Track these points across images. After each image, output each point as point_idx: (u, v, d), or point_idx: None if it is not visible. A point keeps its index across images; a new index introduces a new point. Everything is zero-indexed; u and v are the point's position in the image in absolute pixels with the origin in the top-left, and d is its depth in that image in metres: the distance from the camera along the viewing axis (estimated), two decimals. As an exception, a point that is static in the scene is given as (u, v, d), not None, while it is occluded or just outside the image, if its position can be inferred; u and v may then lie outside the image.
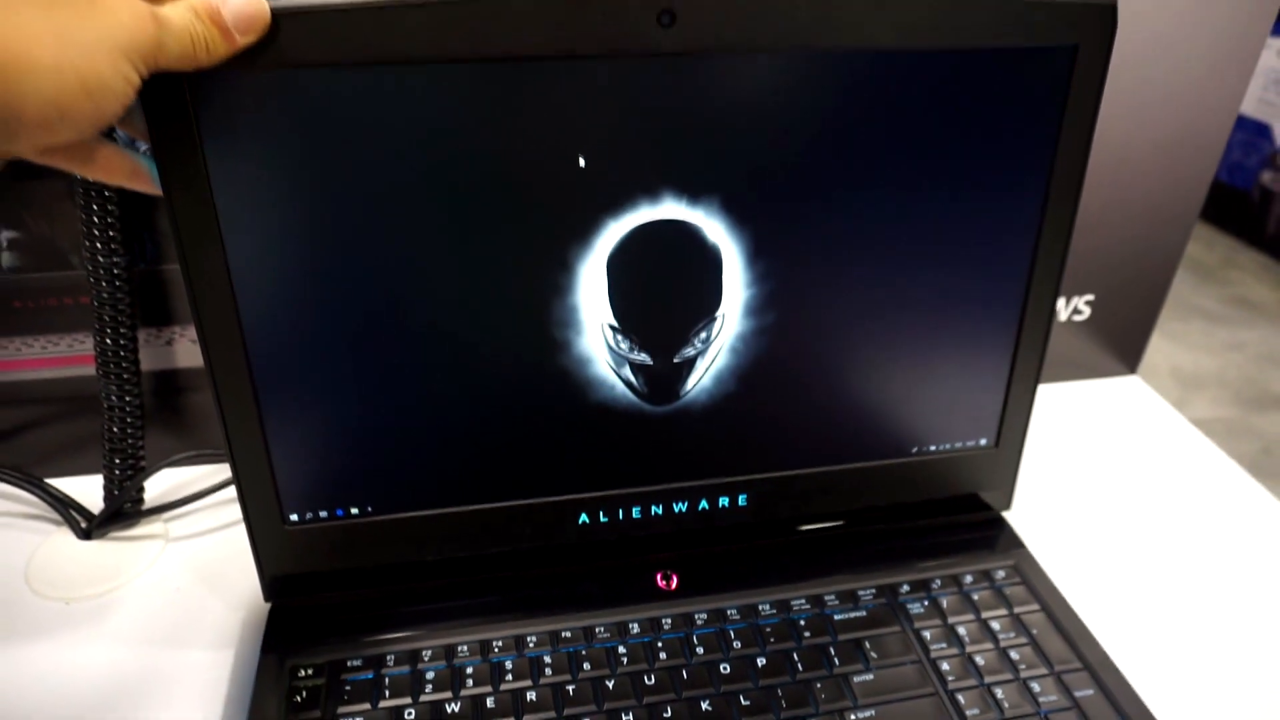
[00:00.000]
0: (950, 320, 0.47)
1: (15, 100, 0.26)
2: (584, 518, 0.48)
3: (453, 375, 0.43)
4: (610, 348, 0.44)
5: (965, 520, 0.53)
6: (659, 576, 0.49)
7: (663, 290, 0.44)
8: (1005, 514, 0.54)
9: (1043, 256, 0.46)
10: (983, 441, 0.51)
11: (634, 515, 0.48)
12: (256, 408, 0.42)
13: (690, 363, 0.45)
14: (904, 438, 0.50)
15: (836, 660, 0.45)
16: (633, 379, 0.45)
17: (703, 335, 0.45)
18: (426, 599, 0.48)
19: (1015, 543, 0.52)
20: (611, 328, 0.44)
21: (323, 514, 0.45)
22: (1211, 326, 2.27)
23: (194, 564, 0.53)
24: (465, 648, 0.45)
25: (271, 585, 0.47)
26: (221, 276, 0.39)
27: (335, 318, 0.41)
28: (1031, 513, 0.55)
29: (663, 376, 0.45)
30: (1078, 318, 0.67)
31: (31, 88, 0.27)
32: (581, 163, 0.40)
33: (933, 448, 0.50)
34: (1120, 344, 0.69)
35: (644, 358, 0.45)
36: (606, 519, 0.48)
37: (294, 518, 0.45)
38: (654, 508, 0.48)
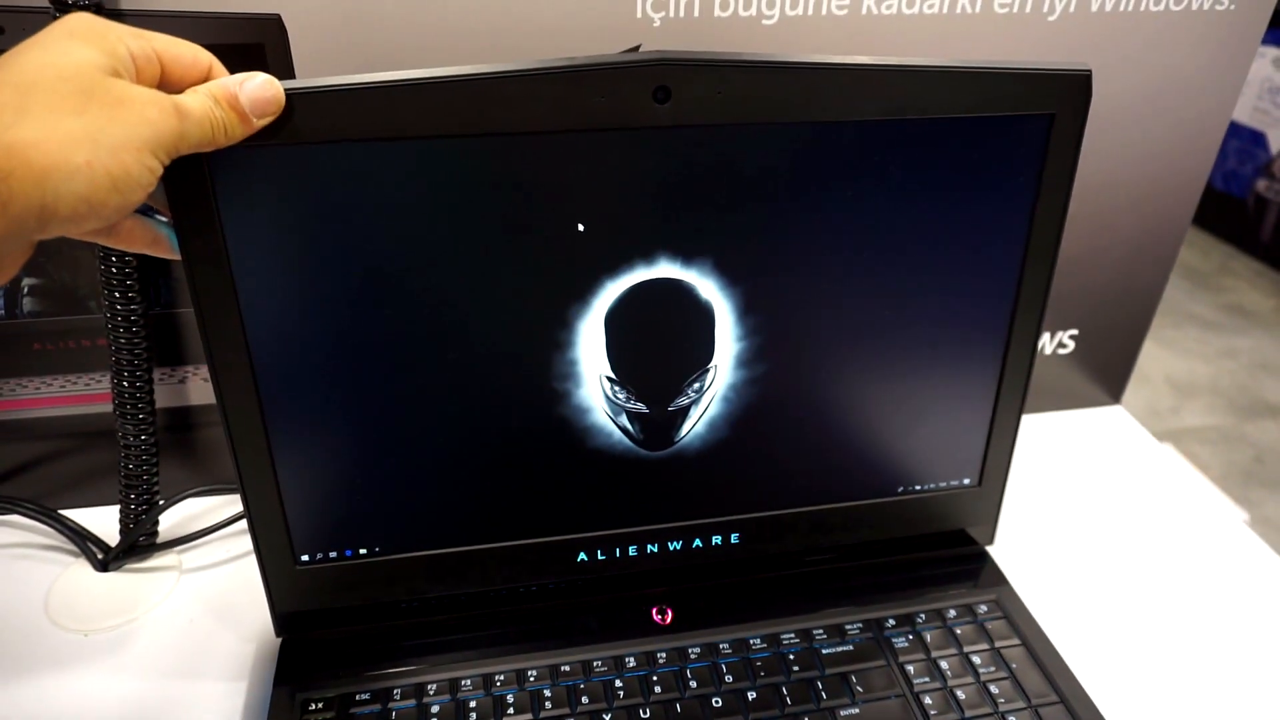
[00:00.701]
0: (934, 367, 0.49)
1: (51, 200, 0.28)
2: (583, 556, 0.50)
3: (458, 424, 0.45)
4: (608, 398, 0.46)
5: (950, 555, 0.55)
6: (654, 611, 0.51)
7: (658, 344, 0.46)
8: (989, 548, 0.56)
9: (1023, 306, 0.48)
10: (966, 481, 0.53)
11: (630, 553, 0.50)
12: (269, 456, 0.44)
13: (684, 411, 0.47)
14: (890, 478, 0.52)
15: (824, 694, 0.47)
16: (629, 426, 0.47)
17: (696, 385, 0.47)
18: (431, 634, 0.50)
19: (998, 578, 0.55)
20: (609, 379, 0.46)
21: (332, 554, 0.47)
22: (1206, 334, 2.29)
23: (207, 595, 0.55)
24: (469, 681, 0.47)
25: (283, 621, 0.49)
26: (237, 336, 0.41)
27: (346, 373, 0.43)
28: (1015, 545, 0.57)
29: (658, 424, 0.47)
30: (1062, 351, 0.69)
31: (66, 189, 0.28)
32: (581, 228, 0.42)
33: (918, 487, 0.52)
34: (1104, 374, 0.72)
35: (640, 407, 0.47)
36: (604, 556, 0.50)
37: (305, 558, 0.47)
38: (649, 546, 0.50)
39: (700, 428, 0.48)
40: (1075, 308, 0.67)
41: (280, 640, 0.50)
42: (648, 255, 0.43)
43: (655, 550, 0.51)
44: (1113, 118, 0.59)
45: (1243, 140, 2.68)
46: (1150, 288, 0.68)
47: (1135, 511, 0.62)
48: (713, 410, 0.48)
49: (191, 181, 0.37)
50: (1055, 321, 0.67)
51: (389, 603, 0.49)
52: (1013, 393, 0.51)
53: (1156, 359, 2.17)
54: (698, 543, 0.51)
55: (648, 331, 0.45)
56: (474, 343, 0.43)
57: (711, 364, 0.46)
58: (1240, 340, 2.27)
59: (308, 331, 0.42)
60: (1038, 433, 0.69)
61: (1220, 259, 2.66)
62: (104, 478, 0.58)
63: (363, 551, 0.48)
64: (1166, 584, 0.57)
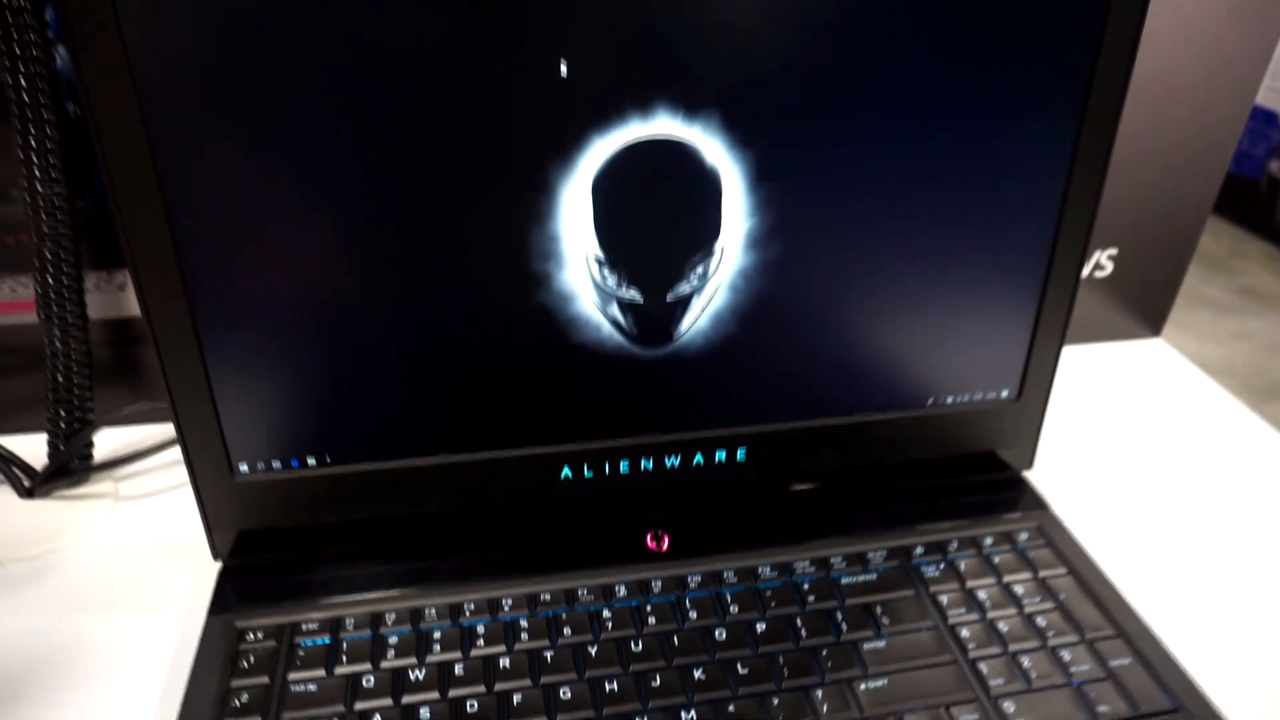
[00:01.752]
0: (972, 258, 0.43)
1: None
2: (566, 472, 0.44)
3: (418, 312, 0.39)
4: (596, 283, 0.40)
5: (984, 480, 0.49)
6: (649, 537, 0.45)
7: (654, 218, 0.39)
8: (1026, 474, 0.50)
9: (1076, 187, 0.42)
10: (1004, 394, 0.47)
11: (622, 470, 0.44)
12: (197, 343, 0.37)
13: (685, 301, 0.41)
14: (919, 388, 0.45)
15: (844, 626, 0.41)
16: (621, 319, 0.41)
17: (699, 270, 0.40)
18: (392, 559, 0.44)
19: (1038, 504, 0.48)
20: (597, 260, 0.39)
21: (275, 464, 0.41)
22: (1219, 316, 2.23)
23: (146, 524, 0.49)
24: (433, 611, 0.41)
25: (221, 543, 0.43)
26: (149, 189, 0.34)
27: (286, 246, 0.37)
28: (1053, 477, 0.51)
29: (654, 316, 0.41)
30: (1100, 274, 0.63)
31: None
32: (564, 69, 0.36)
33: (950, 399, 0.46)
34: (1144, 303, 0.65)
35: (633, 295, 0.40)
36: (591, 474, 0.44)
37: (243, 468, 0.41)
38: (644, 462, 0.44)
39: (703, 322, 0.41)
40: (1116, 223, 0.61)
41: (220, 567, 0.43)
42: (644, 106, 0.37)
43: (650, 467, 0.44)
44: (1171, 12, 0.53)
45: (1256, 121, 2.61)
46: (1197, 204, 0.62)
47: (1181, 445, 0.56)
48: (718, 301, 0.41)
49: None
50: (1094, 238, 0.61)
51: (343, 523, 0.43)
52: (1061, 288, 0.44)
53: (1170, 342, 2.10)
54: (699, 459, 0.45)
55: (643, 201, 0.39)
56: (436, 212, 0.37)
57: (717, 244, 0.40)
58: (1254, 322, 2.21)
59: (241, 196, 0.35)
60: (1075, 364, 0.63)
61: (1232, 242, 2.59)
62: (34, 402, 0.51)
63: (310, 462, 0.41)
64: (1217, 517, 0.50)
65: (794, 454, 0.46)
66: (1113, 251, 0.62)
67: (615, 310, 0.40)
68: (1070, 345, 0.65)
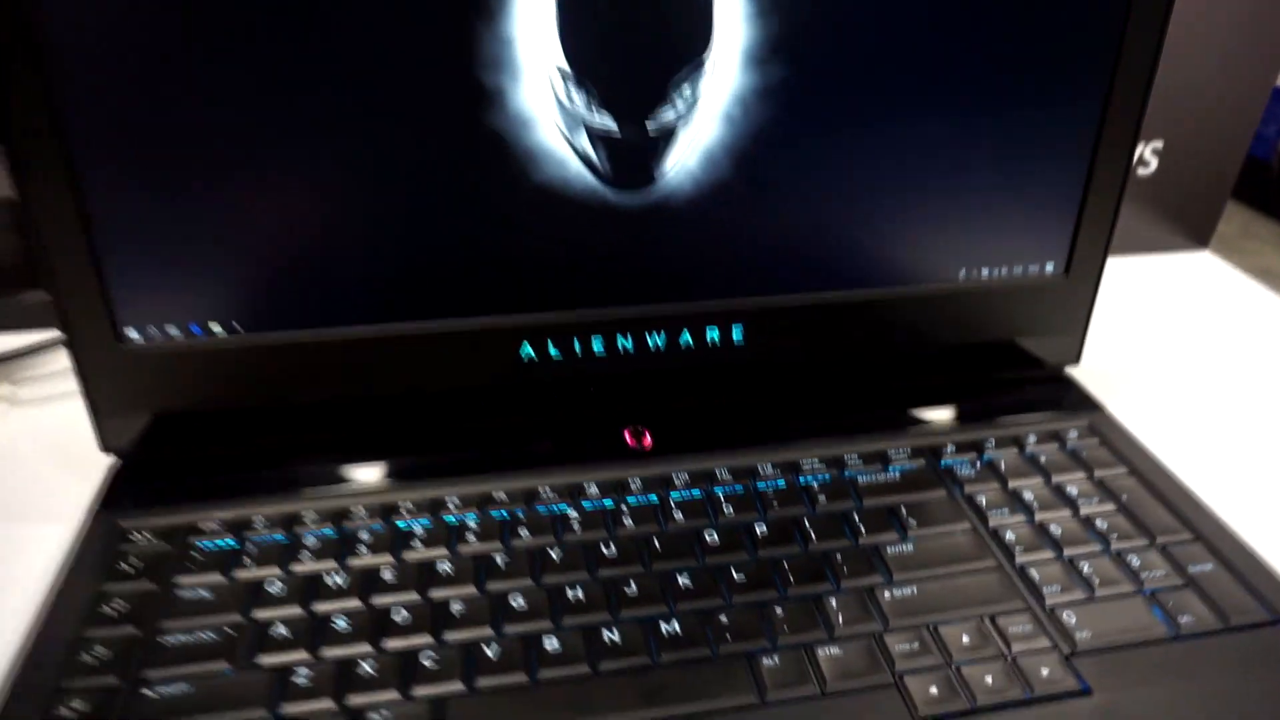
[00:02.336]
0: (1017, 102, 0.36)
1: None
2: (528, 350, 0.36)
3: (340, 136, 0.32)
4: (561, 104, 0.32)
5: (1025, 376, 0.42)
6: (627, 434, 0.38)
7: (632, 20, 0.32)
8: (1073, 372, 0.43)
9: (1134, 29, 0.35)
10: (1049, 268, 0.39)
11: (595, 350, 0.37)
12: (69, 168, 0.30)
13: (668, 132, 0.34)
14: (950, 257, 0.38)
15: (862, 529, 0.33)
16: (591, 152, 0.33)
17: (685, 90, 0.33)
18: (317, 454, 0.36)
19: (1089, 403, 0.41)
20: (562, 74, 0.32)
21: (172, 330, 0.34)
22: (1232, 296, 2.16)
23: (43, 428, 0.41)
24: (362, 510, 0.34)
25: (111, 433, 0.35)
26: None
27: (177, 44, 0.29)
28: (1101, 387, 0.43)
29: (632, 150, 0.34)
30: (1144, 170, 0.55)
31: None
32: None
33: (986, 273, 0.39)
34: (1190, 210, 0.58)
35: (606, 121, 0.33)
36: (558, 352, 0.36)
37: (133, 335, 0.34)
38: (621, 339, 0.37)
39: (692, 163, 0.34)
40: (1164, 112, 0.53)
41: (114, 464, 0.36)
42: None
43: (629, 347, 0.37)
44: None
45: (1268, 101, 2.55)
46: (1249, 103, 0.55)
47: (1239, 357, 0.48)
48: (710, 135, 0.34)
49: None
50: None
51: (258, 410, 0.36)
52: (1115, 150, 0.37)
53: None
54: (686, 339, 0.37)
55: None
56: (363, 8, 0.30)
57: (708, 56, 0.33)
58: (1269, 302, 2.14)
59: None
60: (1119, 276, 0.56)
61: (1242, 223, 2.52)
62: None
63: (216, 330, 0.34)
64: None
65: (800, 335, 0.38)
66: (1158, 144, 0.55)
67: (584, 141, 0.33)
68: (1112, 257, 0.58)
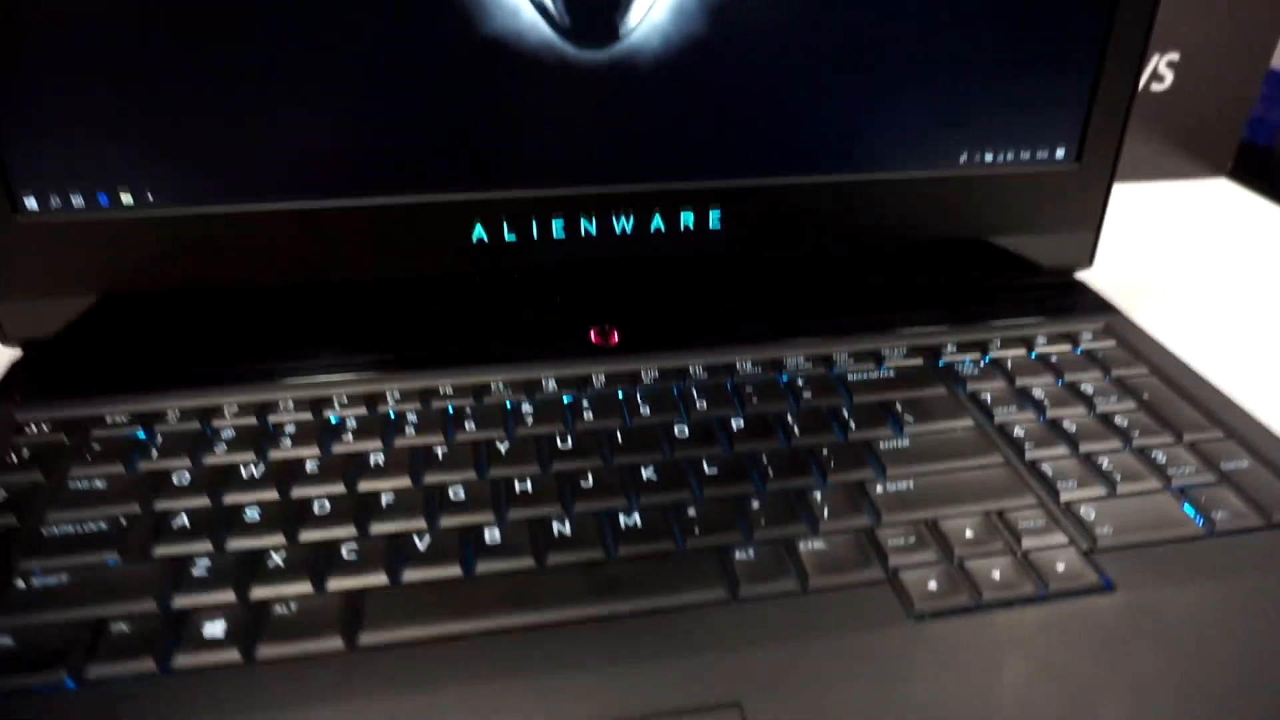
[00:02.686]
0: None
1: None
2: (479, 232, 0.32)
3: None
4: (512, -56, 0.29)
5: (1031, 281, 0.38)
6: (592, 333, 0.34)
7: None
8: (1085, 278, 0.39)
9: None
10: (1059, 154, 0.36)
11: (554, 234, 0.33)
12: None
13: (635, -19, 0.30)
14: (949, 137, 0.34)
15: (852, 424, 0.30)
16: (547, 1, 0.30)
17: (653, -71, 0.29)
18: (243, 346, 0.32)
19: (1104, 305, 0.37)
20: (513, -92, 0.28)
21: (75, 200, 0.30)
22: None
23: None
24: (290, 403, 0.30)
25: (9, 317, 0.31)
26: None
27: None
28: (1115, 300, 0.39)
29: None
30: (1158, 86, 0.52)
31: None
32: None
33: (989, 157, 0.35)
34: (1207, 131, 0.54)
35: (564, -36, 0.29)
36: (514, 236, 0.33)
37: (30, 203, 0.30)
38: (584, 223, 0.33)
39: (663, 15, 0.31)
40: (1180, 22, 0.50)
41: (15, 355, 0.32)
42: None
43: (593, 231, 0.33)
44: None
45: (1270, 85, 2.52)
46: (1271, 16, 0.51)
47: (1259, 278, 0.44)
48: (681, -13, 0.30)
49: None
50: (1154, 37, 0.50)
51: (175, 293, 0.32)
52: (1130, 25, 0.33)
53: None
54: (658, 223, 0.33)
55: None
56: None
57: (677, -112, 0.29)
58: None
59: None
60: (1132, 202, 0.52)
61: (1247, 210, 2.49)
62: None
63: (125, 199, 0.30)
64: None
65: (784, 223, 0.34)
66: (1173, 57, 0.51)
67: (540, -12, 0.29)
68: (1124, 183, 0.55)
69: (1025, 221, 0.36)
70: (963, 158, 0.35)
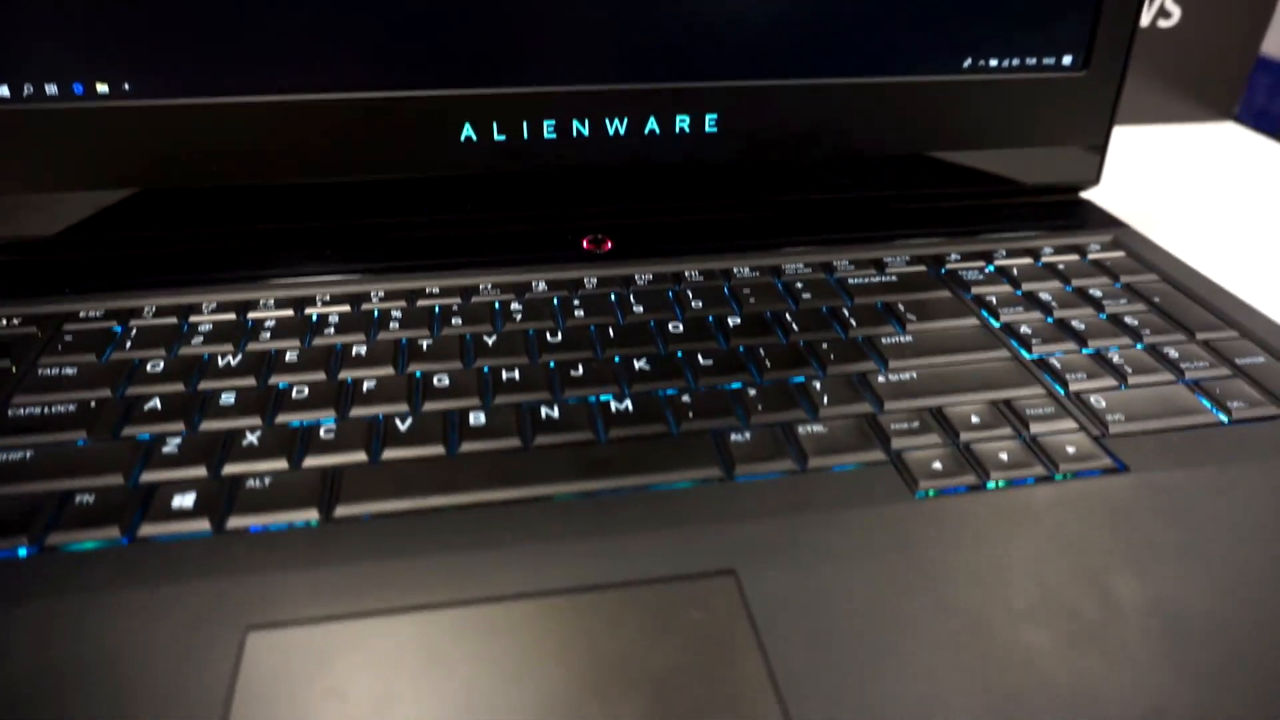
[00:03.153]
0: None
1: None
2: (468, 131, 0.31)
3: None
4: None
5: (1036, 200, 0.37)
6: (585, 241, 0.33)
7: None
8: (1091, 197, 0.38)
9: None
10: (1065, 60, 0.35)
11: (546, 135, 0.32)
12: None
13: None
14: (951, 40, 0.33)
15: (852, 322, 0.29)
16: (539, -115, 0.29)
17: None
18: (228, 246, 0.32)
19: (1110, 221, 0.36)
20: None
21: (49, 88, 0.29)
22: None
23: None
24: (271, 301, 0.29)
25: (-20, 216, 0.30)
26: None
27: None
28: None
29: (587, -115, 0.29)
30: (1164, 22, 0.51)
31: None
32: None
33: (993, 62, 0.34)
34: (1214, 72, 0.53)
35: None
36: (504, 136, 0.32)
37: (3, 92, 0.29)
38: (576, 124, 0.32)
39: (656, -94, 0.29)
40: (1187, -48, 0.49)
41: (-13, 261, 0.31)
42: None
43: (585, 133, 0.32)
44: None
45: (1273, 76, 2.51)
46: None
47: (1268, 218, 0.43)
48: (676, -127, 0.29)
49: None
50: (1160, -30, 0.49)
51: (154, 190, 0.31)
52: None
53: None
54: (652, 125, 0.32)
55: None
56: None
57: None
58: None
59: None
60: (1136, 145, 0.51)
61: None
62: None
63: (102, 88, 0.29)
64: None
65: (783, 128, 0.33)
66: (1182, -9, 0.50)
67: None
68: (1129, 125, 0.54)
69: (1030, 132, 0.35)
70: (966, 63, 0.34)
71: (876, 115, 0.34)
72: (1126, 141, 0.51)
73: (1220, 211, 0.43)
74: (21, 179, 0.30)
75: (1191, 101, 0.54)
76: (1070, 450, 0.23)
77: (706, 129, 0.33)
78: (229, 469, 0.22)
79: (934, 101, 0.34)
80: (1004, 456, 0.23)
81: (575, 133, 0.32)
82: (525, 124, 0.32)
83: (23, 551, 0.20)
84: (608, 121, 0.32)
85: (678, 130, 0.33)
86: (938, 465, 0.23)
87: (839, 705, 0.17)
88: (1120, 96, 0.35)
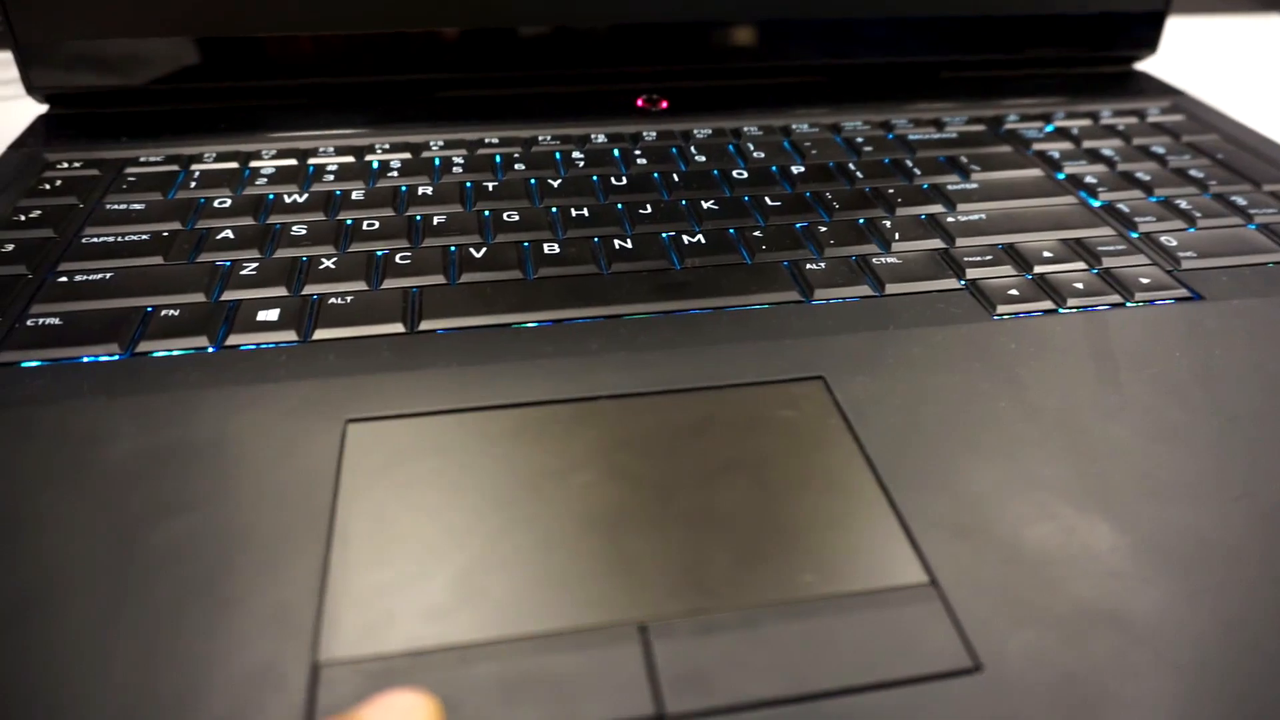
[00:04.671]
0: None
1: None
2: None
3: None
4: None
5: (1093, 71, 0.37)
6: (639, 100, 0.33)
7: None
8: (1147, 68, 0.37)
9: None
10: (1131, -79, 0.34)
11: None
12: None
13: None
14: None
15: (916, 171, 0.28)
16: None
17: None
18: (278, 103, 0.31)
19: (1168, 89, 0.36)
20: None
21: (103, -73, 0.28)
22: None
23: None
24: (332, 149, 0.29)
25: (38, 70, 0.30)
26: None
27: None
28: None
29: None
30: (1217, -93, 0.50)
31: None
32: None
33: (1058, -80, 0.33)
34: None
35: None
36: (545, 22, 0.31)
37: (56, -70, 0.28)
38: (634, -23, 0.31)
39: None
40: None
41: (42, 112, 0.31)
42: None
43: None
44: None
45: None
46: None
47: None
48: None
49: None
50: None
51: (211, 43, 0.31)
52: None
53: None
54: (711, -18, 0.32)
55: None
56: None
57: None
58: None
59: None
60: (1190, 35, 0.50)
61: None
62: None
63: (155, -70, 0.28)
64: None
65: (842, -13, 0.33)
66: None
67: None
68: (1181, 15, 0.53)
69: (1090, -2, 0.35)
70: (1030, -80, 0.33)
71: (936, -26, 0.33)
72: (1183, 29, 0.50)
73: (1277, 90, 0.42)
74: (77, 28, 0.29)
75: (1237, -6, 0.53)
76: (1144, 280, 0.23)
77: (764, -15, 0.32)
78: (309, 289, 0.22)
79: (995, -39, 0.33)
80: (1079, 285, 0.23)
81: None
82: (582, -24, 0.31)
83: (116, 356, 0.20)
84: (665, -25, 0.31)
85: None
86: (1014, 292, 0.23)
87: (935, 486, 0.17)
88: (1182, -40, 0.35)
